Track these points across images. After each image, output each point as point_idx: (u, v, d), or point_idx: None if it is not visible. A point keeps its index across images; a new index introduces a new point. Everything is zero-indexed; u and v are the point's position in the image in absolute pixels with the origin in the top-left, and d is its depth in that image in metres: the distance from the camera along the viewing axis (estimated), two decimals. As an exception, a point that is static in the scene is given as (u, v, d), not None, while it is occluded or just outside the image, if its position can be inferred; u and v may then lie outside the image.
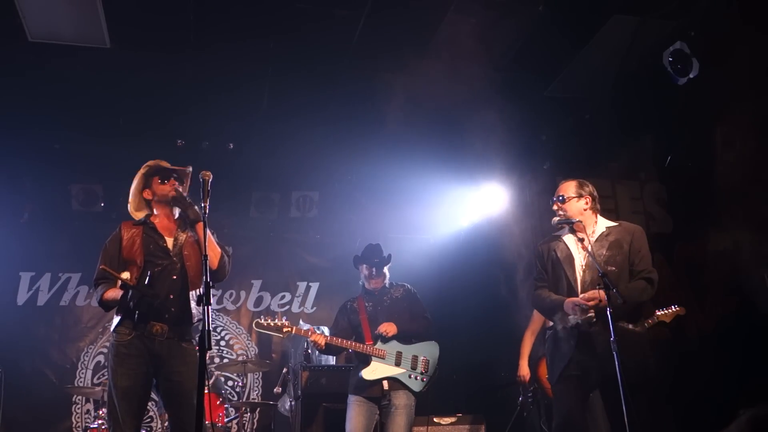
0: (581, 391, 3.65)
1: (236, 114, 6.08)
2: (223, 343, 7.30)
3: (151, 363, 3.47)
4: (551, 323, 3.84)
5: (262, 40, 5.11)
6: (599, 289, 3.43)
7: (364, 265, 5.01)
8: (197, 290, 3.56)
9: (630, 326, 3.57)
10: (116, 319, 3.54)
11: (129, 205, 3.79)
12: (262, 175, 7.14)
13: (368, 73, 5.51)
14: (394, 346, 4.78)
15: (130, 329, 3.47)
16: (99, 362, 6.99)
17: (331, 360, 6.12)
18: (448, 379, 7.28)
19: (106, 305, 3.61)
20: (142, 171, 3.78)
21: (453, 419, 5.62)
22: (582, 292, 3.62)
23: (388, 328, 4.76)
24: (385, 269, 5.01)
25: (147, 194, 3.77)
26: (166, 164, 3.79)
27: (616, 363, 3.21)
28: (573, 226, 3.81)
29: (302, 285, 7.75)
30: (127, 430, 3.36)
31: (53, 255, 7.12)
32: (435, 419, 5.59)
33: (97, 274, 3.65)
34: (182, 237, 3.68)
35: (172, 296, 3.50)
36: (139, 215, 3.76)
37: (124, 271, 3.52)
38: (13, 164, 6.54)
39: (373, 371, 4.71)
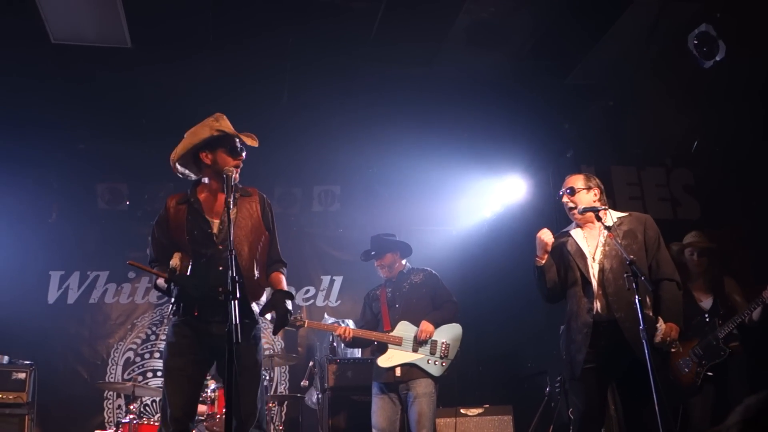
0: (601, 383, 3.59)
1: (257, 110, 6.09)
2: (249, 337, 7.35)
3: (206, 345, 3.25)
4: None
5: (281, 36, 5.11)
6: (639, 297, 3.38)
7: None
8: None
9: (650, 314, 3.55)
10: (171, 306, 3.36)
11: (173, 155, 3.29)
12: (283, 171, 7.15)
13: (387, 65, 5.49)
14: (412, 332, 4.77)
15: (184, 316, 3.27)
16: (129, 358, 7.09)
17: (357, 353, 6.13)
18: (475, 371, 7.29)
19: (159, 291, 3.42)
20: (210, 125, 3.27)
21: (480, 410, 5.60)
22: (601, 282, 3.58)
23: (426, 329, 4.73)
24: (389, 257, 5.00)
25: (205, 158, 3.29)
26: (245, 138, 3.30)
27: (646, 351, 3.18)
28: (581, 220, 3.77)
29: (326, 279, 7.77)
30: (175, 410, 3.14)
31: (81, 253, 7.23)
32: (462, 410, 5.58)
33: (149, 256, 3.42)
34: (229, 218, 3.06)
35: (220, 288, 3.13)
36: (180, 170, 3.35)
37: (176, 251, 3.26)
38: (39, 165, 6.66)
39: (389, 358, 4.73)
